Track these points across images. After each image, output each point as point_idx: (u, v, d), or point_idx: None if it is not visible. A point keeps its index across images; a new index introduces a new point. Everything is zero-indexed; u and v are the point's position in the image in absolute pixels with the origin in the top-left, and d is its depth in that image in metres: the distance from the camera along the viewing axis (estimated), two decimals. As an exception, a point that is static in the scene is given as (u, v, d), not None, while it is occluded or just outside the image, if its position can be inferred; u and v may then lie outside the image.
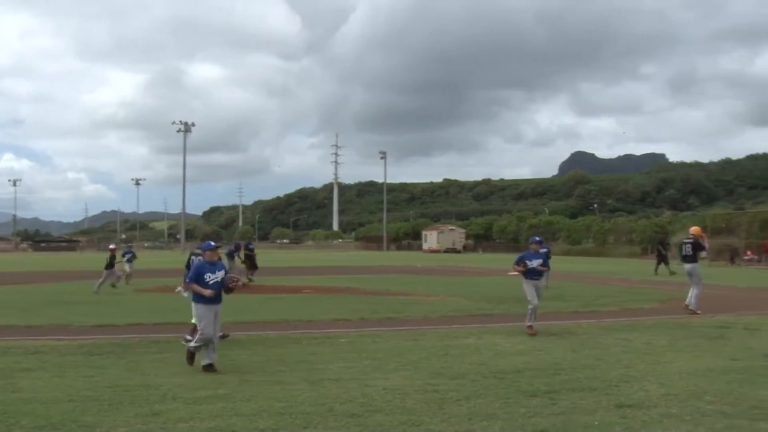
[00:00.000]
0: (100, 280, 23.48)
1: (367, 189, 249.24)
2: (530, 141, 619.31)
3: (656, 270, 34.26)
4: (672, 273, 32.52)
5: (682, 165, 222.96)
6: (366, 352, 10.66)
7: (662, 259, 34.93)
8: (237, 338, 12.04)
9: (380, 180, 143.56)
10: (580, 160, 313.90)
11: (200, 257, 12.59)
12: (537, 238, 13.67)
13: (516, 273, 13.38)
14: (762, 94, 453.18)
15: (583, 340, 11.93)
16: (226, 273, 9.69)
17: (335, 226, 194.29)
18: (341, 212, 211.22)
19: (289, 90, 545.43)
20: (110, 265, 24.03)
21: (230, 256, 24.31)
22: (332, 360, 9.96)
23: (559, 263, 33.24)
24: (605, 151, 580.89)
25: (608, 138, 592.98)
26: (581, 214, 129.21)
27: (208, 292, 9.24)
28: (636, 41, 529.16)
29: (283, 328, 13.53)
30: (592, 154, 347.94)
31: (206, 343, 9.21)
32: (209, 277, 9.37)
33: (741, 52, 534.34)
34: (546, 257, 13.61)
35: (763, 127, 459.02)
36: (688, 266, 16.93)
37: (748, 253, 48.61)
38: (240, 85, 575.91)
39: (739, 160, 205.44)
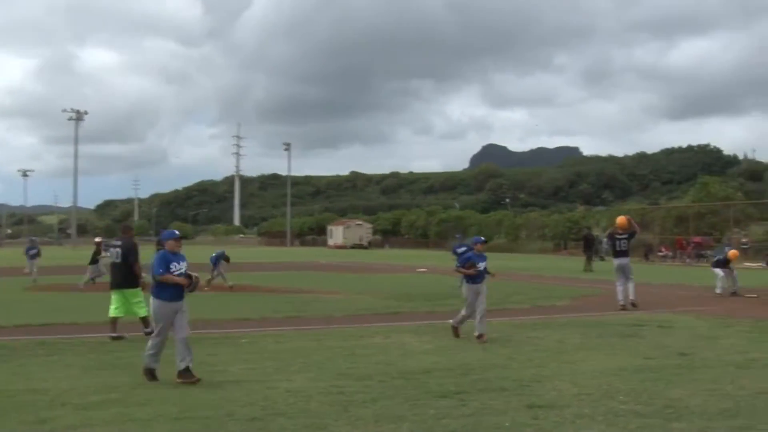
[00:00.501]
0: (86, 275, 22.62)
1: (271, 182, 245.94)
2: (440, 133, 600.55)
3: (587, 267, 34.28)
4: (589, 270, 33.13)
5: (596, 159, 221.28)
6: (268, 353, 10.38)
7: (589, 255, 35.61)
8: (132, 338, 11.59)
9: (284, 173, 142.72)
10: (491, 153, 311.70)
11: (118, 249, 12.09)
12: (482, 239, 12.94)
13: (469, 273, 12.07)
14: (677, 87, 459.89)
15: (493, 338, 11.81)
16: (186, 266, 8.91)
17: (236, 221, 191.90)
18: (243, 206, 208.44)
19: (188, 77, 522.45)
20: (94, 260, 22.83)
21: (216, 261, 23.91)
22: (232, 361, 9.61)
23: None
24: (517, 144, 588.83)
25: (520, 131, 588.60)
26: (493, 208, 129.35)
27: (182, 280, 8.50)
28: (549, 31, 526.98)
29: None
30: (504, 147, 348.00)
31: (159, 350, 8.44)
32: (175, 266, 8.58)
33: (656, 44, 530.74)
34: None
35: (677, 120, 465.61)
36: (623, 261, 16.79)
37: (663, 249, 48.85)
38: (136, 72, 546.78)
39: (653, 154, 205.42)
